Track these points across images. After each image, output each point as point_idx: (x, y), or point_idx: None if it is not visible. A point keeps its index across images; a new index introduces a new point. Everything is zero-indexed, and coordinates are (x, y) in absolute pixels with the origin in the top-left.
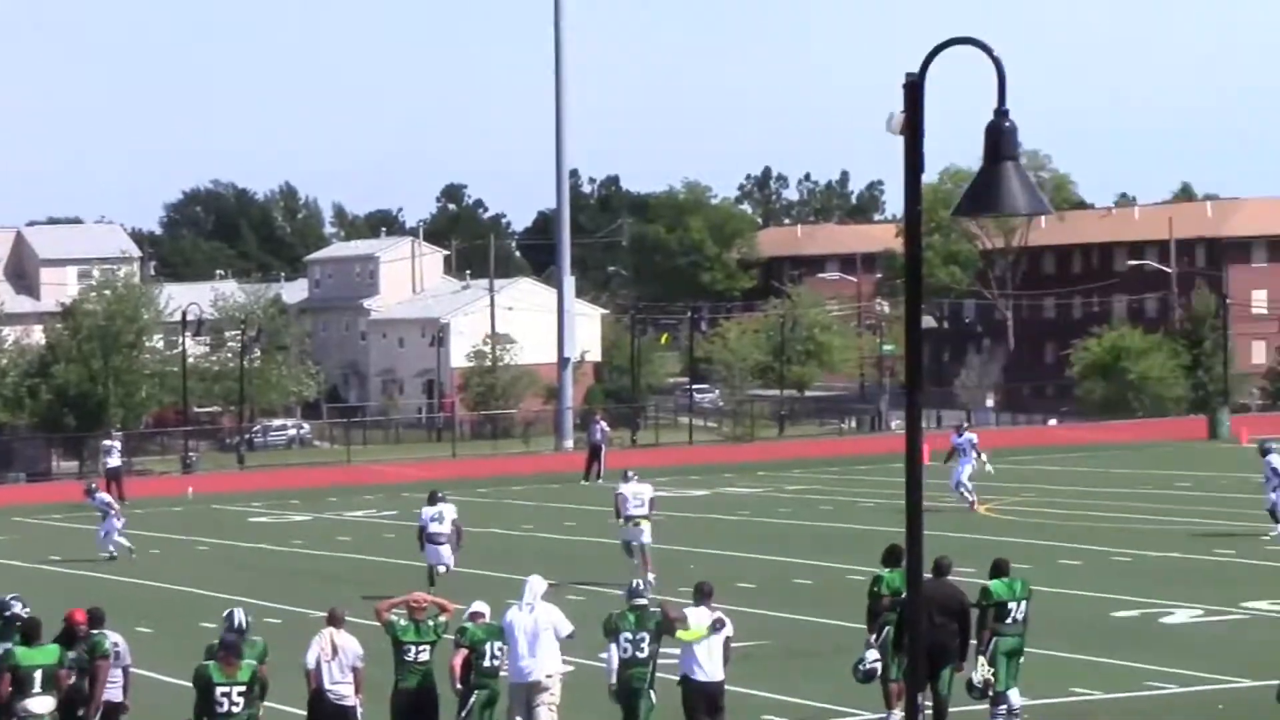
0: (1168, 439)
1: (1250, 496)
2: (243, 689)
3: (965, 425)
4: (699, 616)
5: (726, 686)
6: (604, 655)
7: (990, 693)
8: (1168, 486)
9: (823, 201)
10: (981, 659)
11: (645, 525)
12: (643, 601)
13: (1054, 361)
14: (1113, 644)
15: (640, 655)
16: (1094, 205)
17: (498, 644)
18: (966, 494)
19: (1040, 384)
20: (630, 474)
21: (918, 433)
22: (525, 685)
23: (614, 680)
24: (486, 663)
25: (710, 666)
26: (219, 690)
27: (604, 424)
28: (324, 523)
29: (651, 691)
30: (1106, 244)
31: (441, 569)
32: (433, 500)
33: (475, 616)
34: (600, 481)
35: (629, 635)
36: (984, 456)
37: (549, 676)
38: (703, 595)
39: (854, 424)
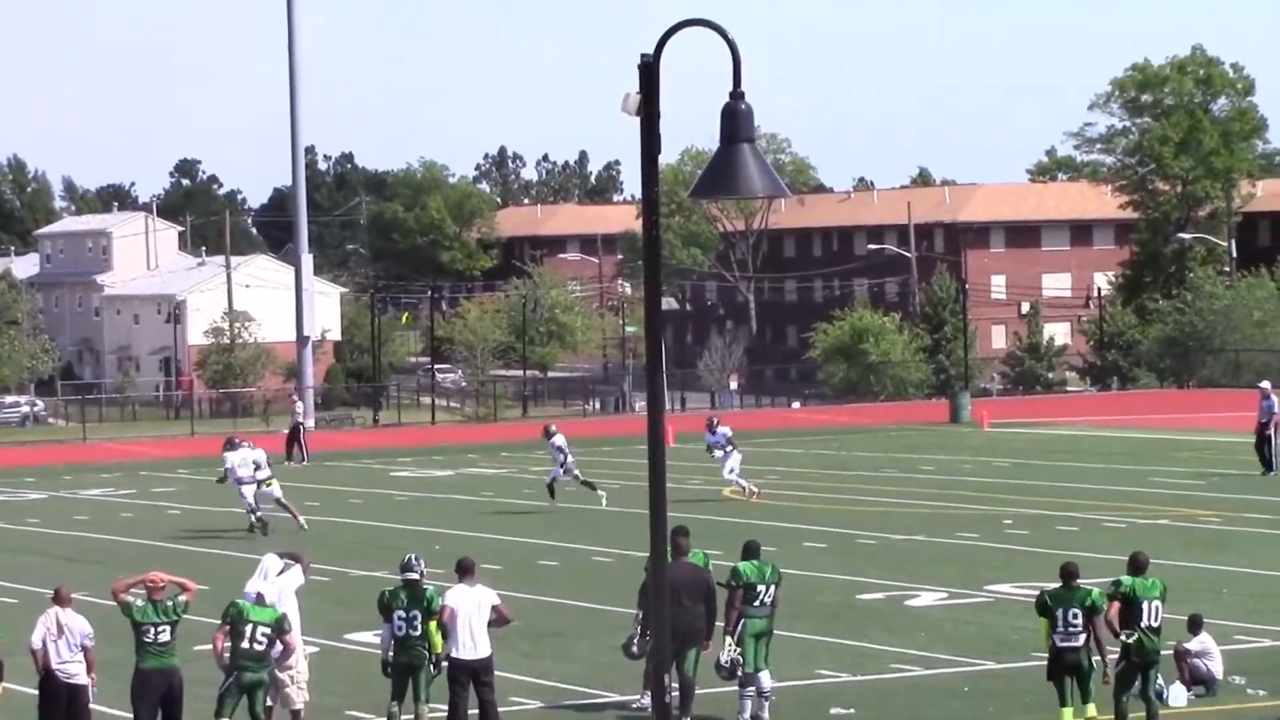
0: (910, 422)
1: (993, 480)
2: None
3: (716, 420)
4: (459, 595)
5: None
6: (377, 633)
7: (739, 673)
8: (911, 470)
9: (561, 182)
10: (729, 640)
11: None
12: (414, 576)
13: (796, 344)
14: (859, 626)
15: (414, 633)
16: (833, 189)
17: (264, 629)
18: (742, 485)
19: (783, 366)
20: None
21: (660, 414)
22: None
23: (389, 656)
24: (245, 644)
25: (472, 644)
26: None
27: (299, 405)
28: (60, 501)
29: (430, 665)
30: (846, 228)
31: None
32: (231, 446)
33: (257, 599)
34: (306, 464)
35: (402, 613)
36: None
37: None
38: (465, 572)
39: (598, 405)
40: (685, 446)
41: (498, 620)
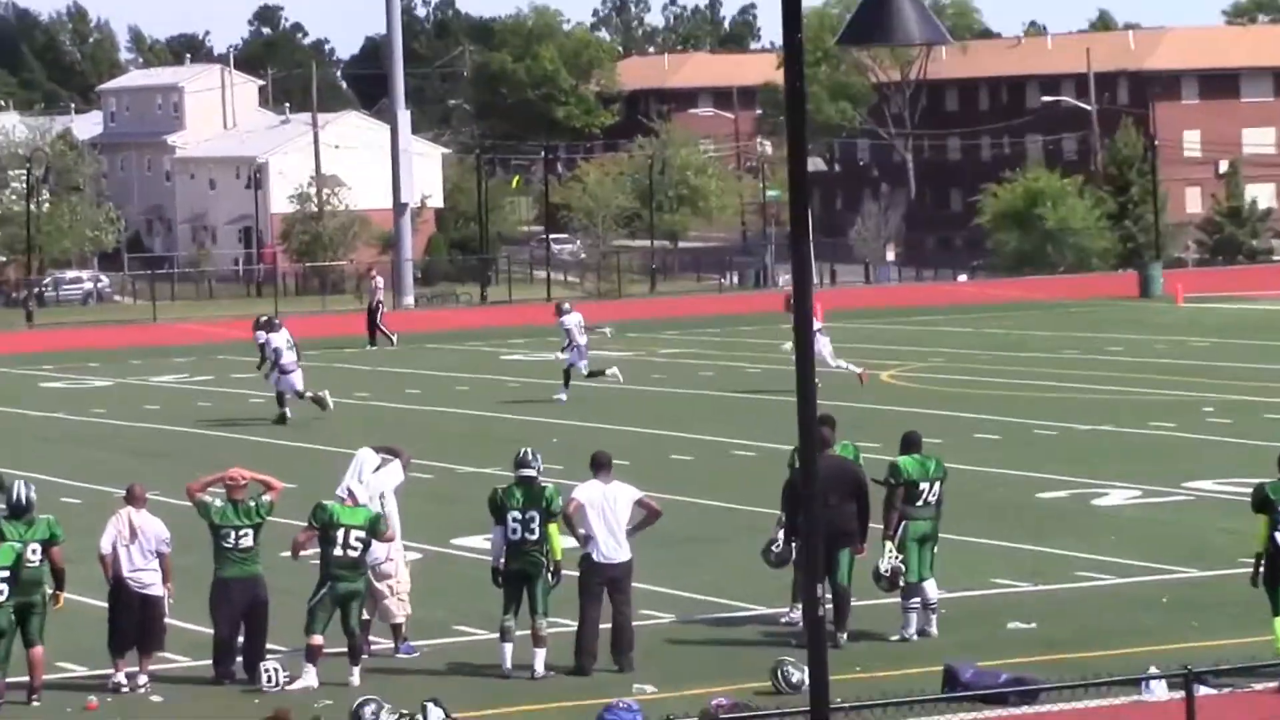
0: (1094, 297)
1: (1190, 362)
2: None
3: (567, 305)
4: (591, 490)
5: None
6: (488, 537)
7: (901, 583)
8: (1095, 351)
9: (690, 29)
10: (889, 545)
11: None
12: (530, 473)
13: (961, 209)
14: (1039, 529)
15: (530, 537)
16: (1001, 35)
17: (358, 533)
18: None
19: (946, 235)
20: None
21: (807, 289)
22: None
23: (501, 563)
24: (337, 550)
25: (615, 544)
26: None
27: (379, 280)
28: (127, 389)
29: (549, 573)
30: (1017, 78)
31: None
32: (271, 326)
33: (348, 497)
34: (394, 346)
35: (517, 514)
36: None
37: (389, 560)
38: (600, 467)
39: (735, 279)
40: (832, 325)
41: (645, 519)
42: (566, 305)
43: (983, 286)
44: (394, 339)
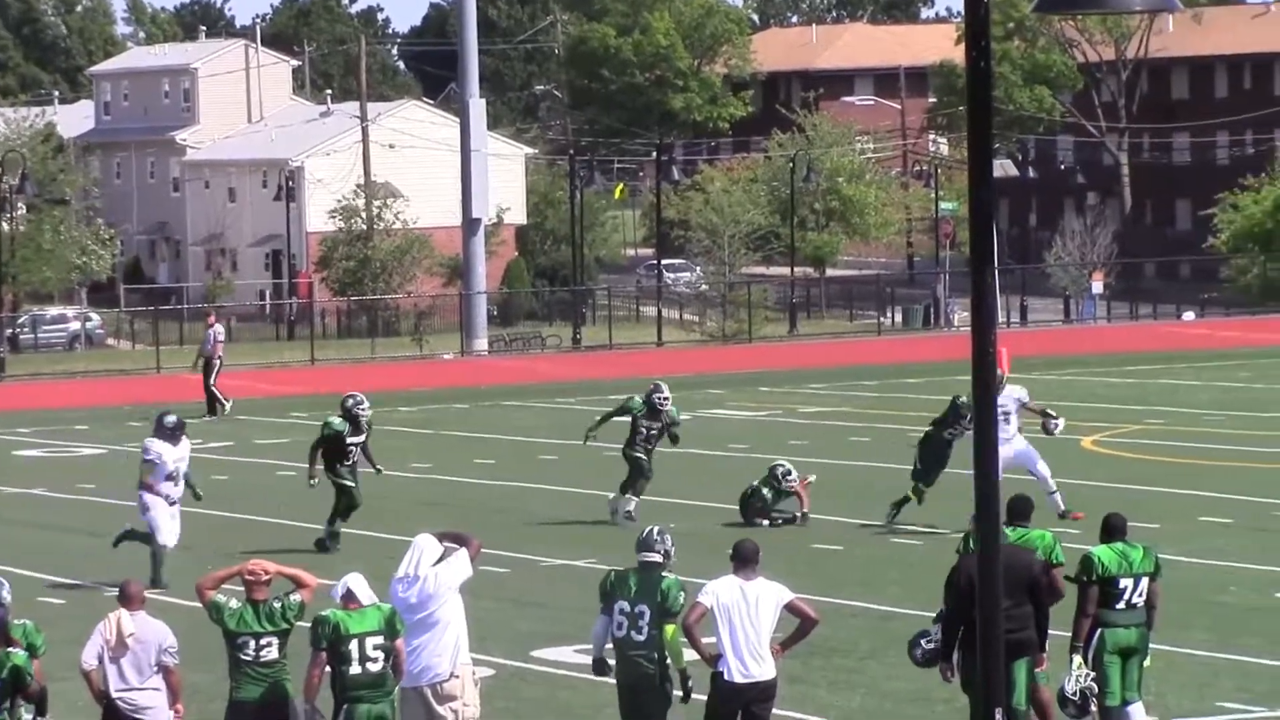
0: None
1: None
2: None
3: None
4: (726, 588)
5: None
6: (580, 647)
7: (1092, 708)
8: None
9: None
10: (1077, 659)
11: None
12: (655, 558)
13: (1190, 227)
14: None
15: (638, 637)
16: (1246, 0)
17: (374, 640)
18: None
19: (1170, 260)
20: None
21: (990, 329)
22: (417, 690)
23: (604, 657)
24: (355, 669)
25: (752, 660)
26: None
27: (218, 329)
28: (124, 458)
29: (667, 685)
30: (1265, 56)
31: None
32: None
33: (348, 600)
34: (226, 413)
35: (625, 605)
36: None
37: (454, 678)
38: (743, 561)
39: (900, 317)
40: (1021, 376)
41: (799, 630)
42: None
43: (1216, 327)
44: (228, 405)
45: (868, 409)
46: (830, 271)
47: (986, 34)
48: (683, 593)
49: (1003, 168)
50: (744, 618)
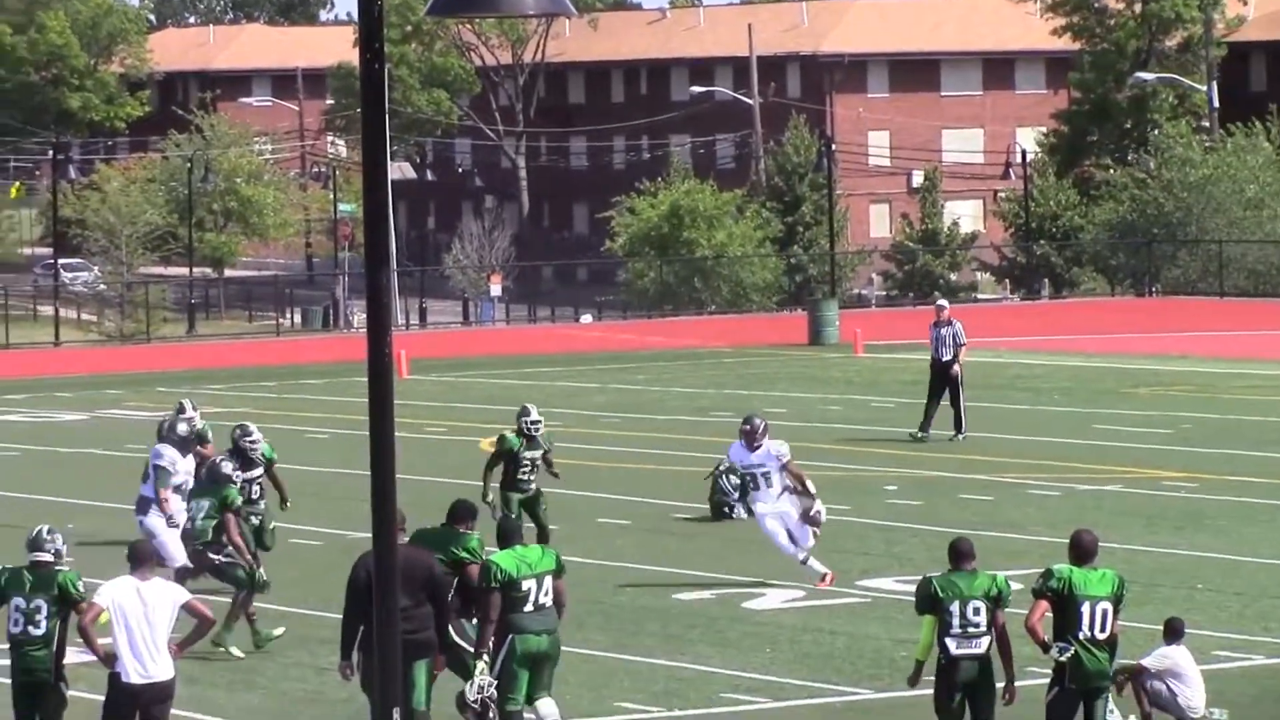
0: (754, 345)
1: (870, 428)
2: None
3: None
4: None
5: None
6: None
7: (492, 714)
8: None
9: None
10: (480, 664)
11: None
12: (45, 557)
13: (588, 230)
14: (679, 638)
15: (35, 631)
16: (641, 5)
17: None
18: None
19: (568, 263)
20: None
21: (387, 332)
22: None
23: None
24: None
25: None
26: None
27: None
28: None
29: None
30: (660, 62)
31: None
32: None
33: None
34: None
35: (21, 602)
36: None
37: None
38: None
39: (299, 318)
40: (424, 379)
41: (196, 630)
42: None
43: (612, 329)
44: None
45: (267, 409)
46: (229, 272)
47: (381, 37)
48: (78, 584)
49: (401, 170)
50: (140, 619)
